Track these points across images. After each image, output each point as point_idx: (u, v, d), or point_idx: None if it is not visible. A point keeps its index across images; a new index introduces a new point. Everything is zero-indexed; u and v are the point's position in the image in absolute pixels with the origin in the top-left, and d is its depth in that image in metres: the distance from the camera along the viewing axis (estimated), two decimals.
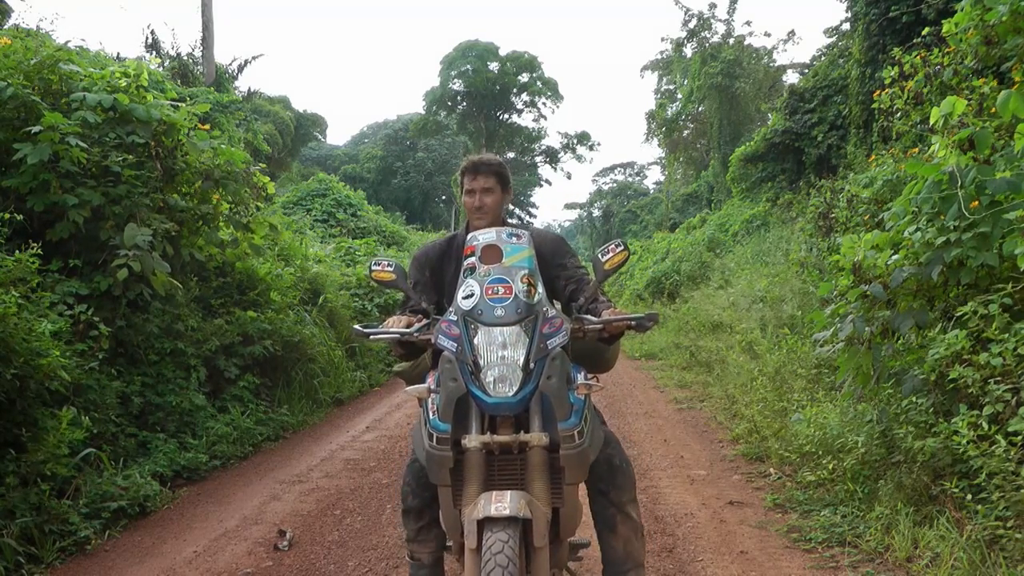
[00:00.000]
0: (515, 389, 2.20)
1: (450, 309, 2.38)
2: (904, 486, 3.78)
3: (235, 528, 4.10)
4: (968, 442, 3.15)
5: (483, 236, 2.48)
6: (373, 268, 2.61)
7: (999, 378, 3.26)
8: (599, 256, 2.48)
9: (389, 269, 2.60)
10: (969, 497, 3.25)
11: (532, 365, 2.22)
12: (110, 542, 3.86)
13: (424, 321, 2.52)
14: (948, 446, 3.42)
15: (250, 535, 3.99)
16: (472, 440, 2.22)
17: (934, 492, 3.64)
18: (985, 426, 3.14)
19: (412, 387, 2.33)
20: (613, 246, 2.48)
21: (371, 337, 2.52)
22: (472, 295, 2.31)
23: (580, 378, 2.31)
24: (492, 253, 2.39)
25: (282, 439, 6.22)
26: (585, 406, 2.32)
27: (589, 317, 2.48)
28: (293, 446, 6.04)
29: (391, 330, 2.53)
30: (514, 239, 2.45)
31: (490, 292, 2.29)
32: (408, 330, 2.50)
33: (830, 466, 4.41)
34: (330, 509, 4.44)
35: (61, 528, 3.70)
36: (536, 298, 2.31)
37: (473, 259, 2.41)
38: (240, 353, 6.25)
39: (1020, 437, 3.04)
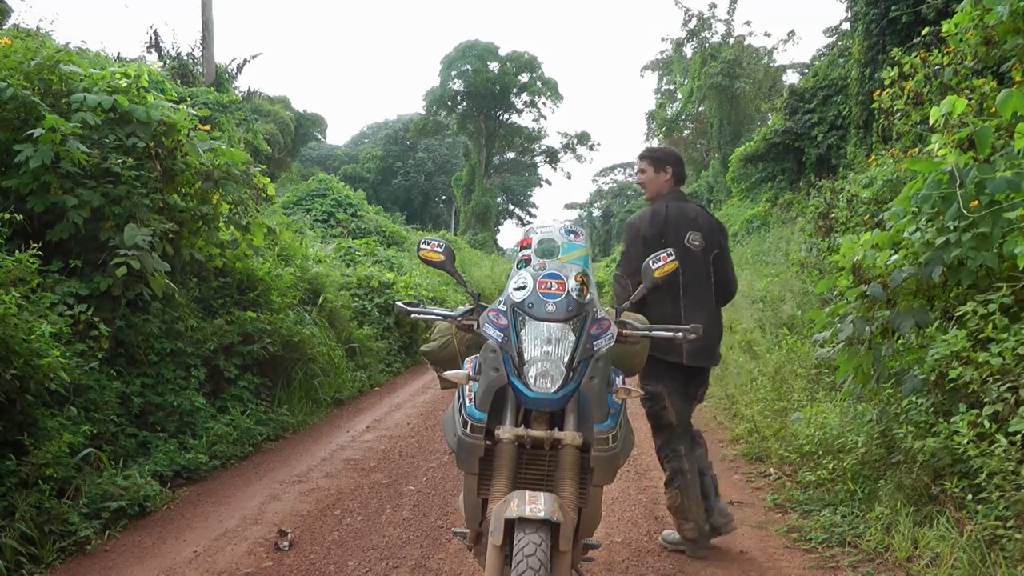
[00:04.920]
0: (557, 386, 2.21)
1: (499, 299, 2.38)
2: (904, 486, 3.78)
3: (235, 528, 4.10)
4: (968, 442, 3.16)
5: (542, 230, 2.49)
6: (422, 247, 2.60)
7: (998, 377, 3.26)
8: (650, 263, 2.49)
9: (439, 250, 2.59)
10: (969, 497, 3.26)
11: (576, 364, 2.23)
12: (110, 542, 3.86)
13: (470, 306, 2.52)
14: (948, 446, 3.42)
15: (250, 535, 3.99)
16: (506, 431, 2.22)
17: (934, 492, 3.64)
18: (986, 424, 3.14)
19: (451, 372, 2.32)
20: (664, 255, 2.49)
21: (412, 316, 2.54)
22: (524, 287, 2.31)
23: (619, 382, 2.32)
24: (549, 248, 2.39)
25: (282, 439, 6.22)
26: (621, 411, 2.33)
27: (633, 323, 2.48)
28: (293, 446, 6.04)
29: (435, 310, 2.56)
30: (572, 236, 2.46)
31: (543, 287, 2.29)
32: (452, 312, 2.51)
33: (830, 466, 4.41)
34: (330, 509, 4.44)
35: (61, 528, 3.69)
36: (587, 297, 2.32)
37: (528, 251, 2.41)
38: (240, 353, 6.25)
39: (1020, 437, 3.04)
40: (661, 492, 4.81)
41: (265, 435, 6.00)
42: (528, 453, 2.30)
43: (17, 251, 4.26)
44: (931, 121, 4.15)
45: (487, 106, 43.56)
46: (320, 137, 46.41)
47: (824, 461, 4.51)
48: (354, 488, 4.88)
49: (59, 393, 4.18)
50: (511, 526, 2.09)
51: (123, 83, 5.60)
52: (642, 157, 3.87)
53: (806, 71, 22.58)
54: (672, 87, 33.83)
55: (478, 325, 2.36)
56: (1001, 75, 5.64)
